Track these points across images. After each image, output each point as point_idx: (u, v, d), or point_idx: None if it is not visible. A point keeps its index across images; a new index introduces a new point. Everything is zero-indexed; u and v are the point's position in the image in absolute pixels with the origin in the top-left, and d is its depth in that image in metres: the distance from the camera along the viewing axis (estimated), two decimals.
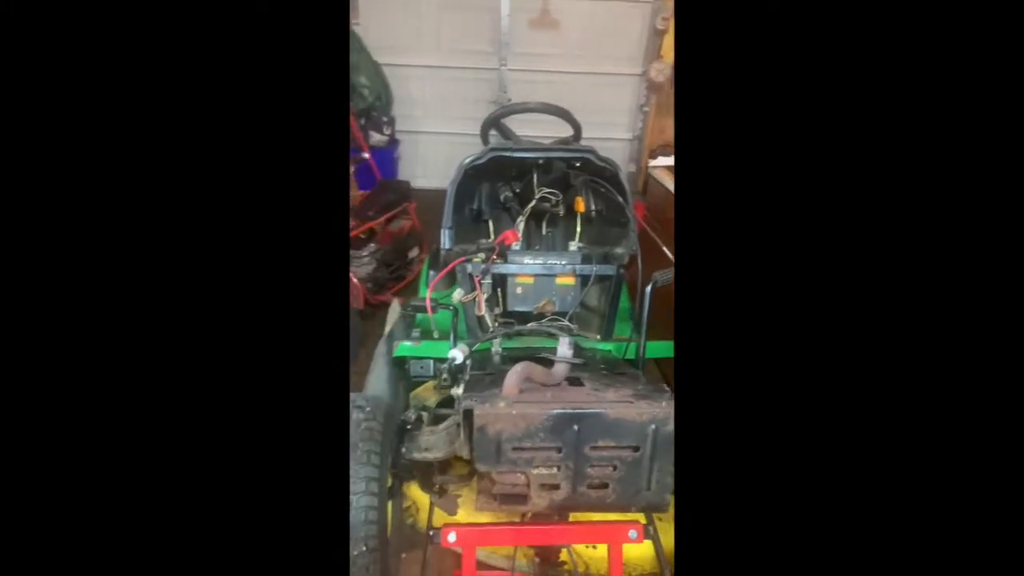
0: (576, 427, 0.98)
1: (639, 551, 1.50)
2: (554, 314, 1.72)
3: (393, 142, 3.92)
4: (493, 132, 2.06)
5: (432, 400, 1.49)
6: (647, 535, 1.26)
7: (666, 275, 1.54)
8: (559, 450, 0.99)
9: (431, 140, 4.26)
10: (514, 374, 1.08)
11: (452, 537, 1.20)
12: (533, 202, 1.74)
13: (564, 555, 1.47)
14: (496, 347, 1.56)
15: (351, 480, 1.02)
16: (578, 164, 1.68)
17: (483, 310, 1.64)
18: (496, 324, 1.70)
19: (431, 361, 1.57)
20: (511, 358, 1.53)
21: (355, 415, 1.10)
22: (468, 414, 0.99)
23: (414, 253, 3.13)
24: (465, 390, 1.13)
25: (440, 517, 1.46)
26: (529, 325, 1.68)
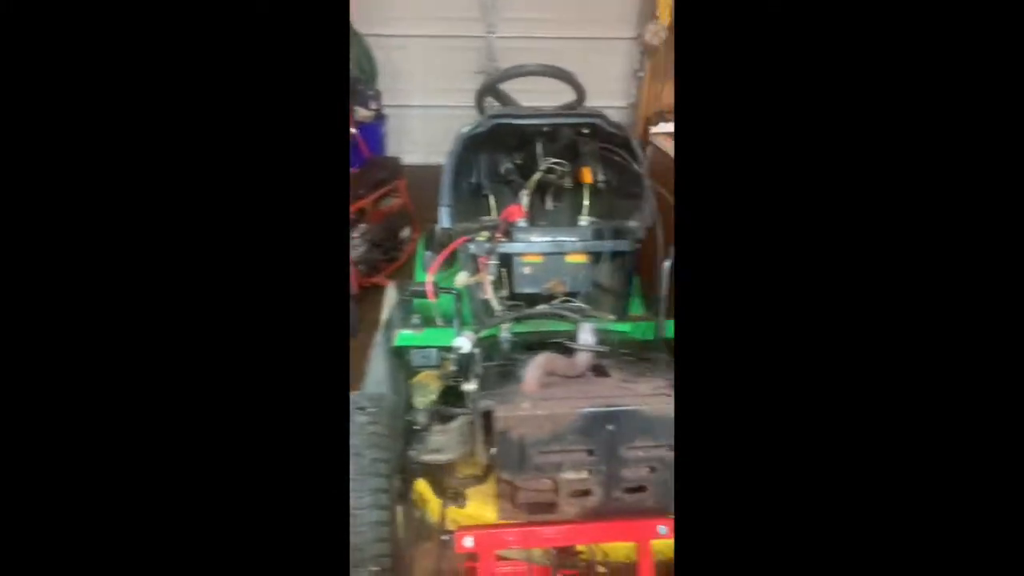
0: (610, 427, 0.87)
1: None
2: (565, 295, 1.60)
3: (380, 117, 3.73)
4: (491, 101, 1.91)
5: (433, 387, 1.38)
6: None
7: None
8: (591, 452, 0.88)
9: (419, 114, 4.08)
10: (535, 367, 0.96)
11: (469, 542, 1.10)
12: (539, 173, 1.60)
13: (581, 545, 1.39)
14: (504, 332, 1.44)
15: (357, 492, 0.90)
16: (587, 131, 1.54)
17: (489, 293, 1.52)
18: (502, 307, 1.58)
19: (434, 350, 1.45)
20: (521, 344, 1.42)
21: (356, 417, 0.98)
22: (487, 416, 0.87)
23: (406, 233, 2.99)
24: (479, 386, 1.01)
25: (452, 516, 1.37)
26: (539, 308, 1.56)
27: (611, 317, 1.62)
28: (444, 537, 1.23)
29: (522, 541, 1.23)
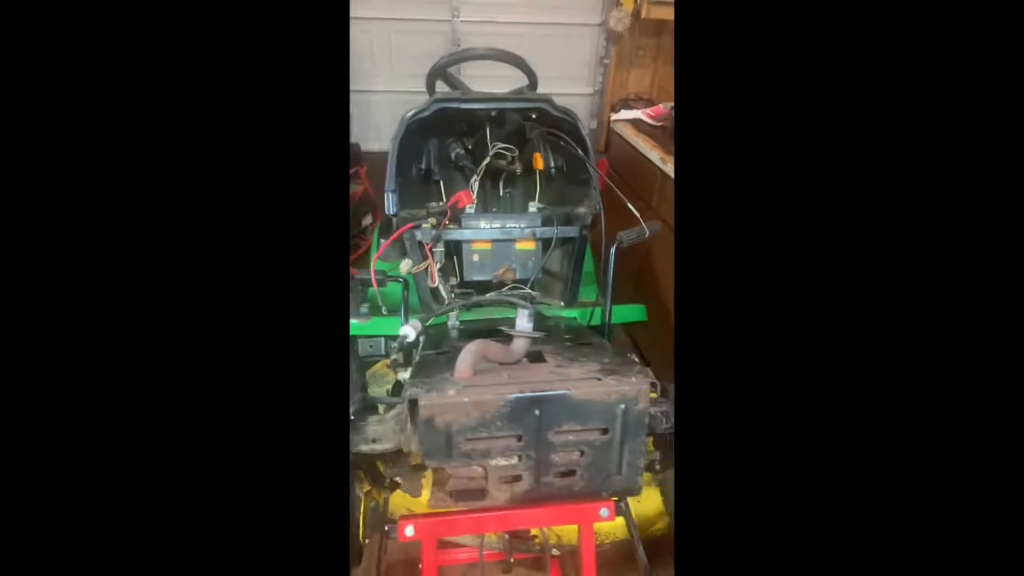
0: (537, 412, 0.87)
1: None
2: (515, 282, 1.60)
3: None
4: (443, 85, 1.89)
5: (391, 377, 1.37)
6: (619, 512, 1.17)
7: (632, 235, 1.42)
8: (519, 438, 0.88)
9: (382, 99, 4.00)
10: (467, 354, 0.95)
11: (409, 531, 1.09)
12: (487, 160, 1.59)
13: (535, 529, 1.40)
14: (453, 321, 1.43)
15: None
16: (534, 116, 1.53)
17: (436, 281, 1.50)
18: (453, 296, 1.56)
19: (381, 339, 1.43)
20: (469, 332, 1.41)
21: None
22: (413, 404, 0.86)
23: (368, 220, 2.95)
24: (413, 374, 1.00)
25: (398, 505, 1.36)
26: (488, 295, 1.56)
27: (560, 303, 1.62)
28: (387, 527, 1.22)
29: (463, 528, 1.23)
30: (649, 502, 1.71)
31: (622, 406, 0.88)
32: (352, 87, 3.80)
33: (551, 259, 1.64)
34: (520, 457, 0.89)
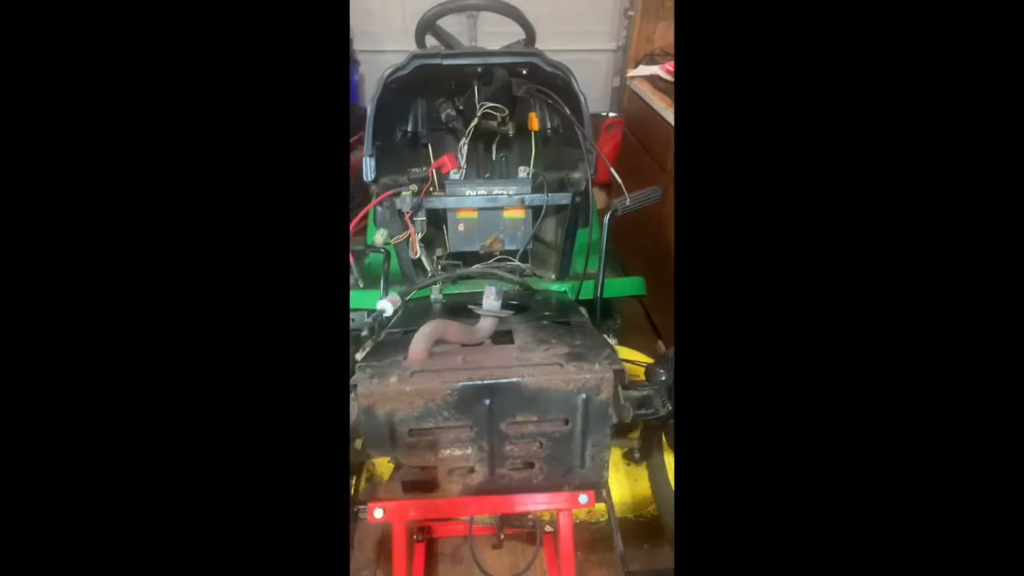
0: (488, 401, 0.79)
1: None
2: (504, 253, 1.51)
3: (352, 63, 3.54)
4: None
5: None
6: (599, 497, 1.10)
7: (627, 203, 1.31)
8: (471, 428, 0.81)
9: (393, 60, 3.88)
10: (421, 336, 0.87)
11: (379, 513, 1.05)
12: (475, 121, 1.48)
13: None
14: (435, 294, 1.36)
15: None
16: (524, 72, 1.40)
17: (419, 252, 1.43)
18: (439, 268, 1.49)
19: (363, 313, 1.37)
20: (452, 308, 1.34)
21: None
22: (353, 390, 0.80)
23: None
24: (367, 356, 0.94)
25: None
26: (475, 267, 1.47)
27: (552, 276, 1.52)
28: (356, 508, 1.18)
29: (436, 511, 1.18)
30: (645, 482, 1.64)
31: (583, 396, 0.80)
32: (362, 47, 3.68)
33: (543, 228, 1.54)
34: (472, 448, 0.82)
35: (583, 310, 1.27)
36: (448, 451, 0.82)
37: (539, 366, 0.82)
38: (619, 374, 0.82)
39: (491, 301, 0.98)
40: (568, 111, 1.31)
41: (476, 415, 0.80)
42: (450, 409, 0.79)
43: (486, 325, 0.97)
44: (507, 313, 0.99)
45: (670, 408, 0.89)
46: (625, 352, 1.44)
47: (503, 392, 0.79)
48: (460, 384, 0.78)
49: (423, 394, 0.78)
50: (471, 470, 0.84)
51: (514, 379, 0.79)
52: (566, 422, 0.82)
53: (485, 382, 0.78)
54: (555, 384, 0.79)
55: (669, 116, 2.00)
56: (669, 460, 1.31)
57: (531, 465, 0.84)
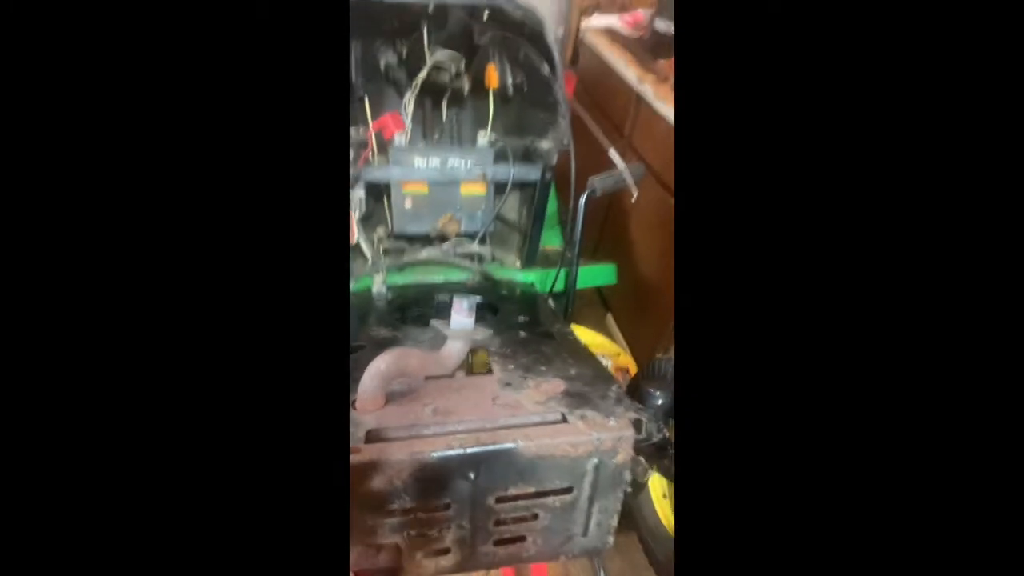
0: (472, 475, 0.59)
1: None
2: (459, 235, 1.28)
3: None
4: None
5: None
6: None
7: (606, 180, 1.11)
8: (447, 507, 0.61)
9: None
10: (376, 376, 0.65)
11: None
12: (423, 72, 1.21)
13: None
14: (378, 286, 1.12)
15: None
16: (486, 15, 1.14)
17: (356, 235, 1.17)
18: (381, 253, 1.24)
19: None
20: (400, 304, 1.11)
21: None
22: None
23: None
24: None
25: None
26: (424, 252, 1.24)
27: (516, 262, 1.32)
28: None
29: None
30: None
31: (594, 461, 0.62)
32: None
33: (506, 206, 1.32)
34: (449, 530, 0.62)
35: (552, 304, 1.09)
36: (416, 532, 0.62)
37: (538, 426, 0.62)
38: (637, 426, 0.65)
39: (461, 318, 0.77)
40: (545, 65, 1.08)
41: (456, 492, 0.60)
42: (421, 485, 0.59)
43: (455, 350, 0.76)
44: (481, 333, 0.78)
45: (666, 435, 0.73)
46: (581, 332, 1.29)
47: (492, 463, 0.59)
48: (436, 455, 0.58)
49: (382, 468, 0.57)
50: (445, 551, 0.64)
51: (507, 445, 0.59)
52: (570, 489, 0.64)
53: (468, 451, 0.58)
54: (561, 450, 0.60)
55: (630, 75, 1.80)
56: (653, 484, 1.18)
57: (522, 539, 0.66)
